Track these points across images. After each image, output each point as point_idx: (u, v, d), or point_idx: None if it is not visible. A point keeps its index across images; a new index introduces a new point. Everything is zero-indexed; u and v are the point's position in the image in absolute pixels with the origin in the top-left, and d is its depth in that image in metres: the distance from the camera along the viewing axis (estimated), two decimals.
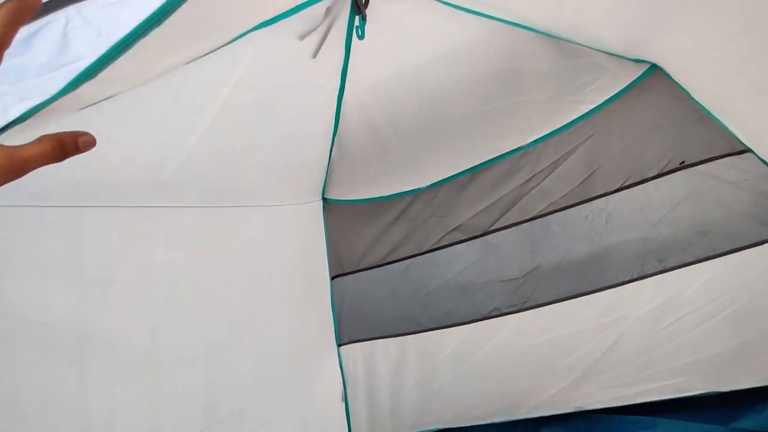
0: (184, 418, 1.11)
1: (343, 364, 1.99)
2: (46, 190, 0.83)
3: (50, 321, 0.84)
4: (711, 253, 1.45)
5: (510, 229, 1.62)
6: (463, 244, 1.70)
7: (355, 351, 1.97)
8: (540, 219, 1.58)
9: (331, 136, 1.61)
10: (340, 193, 1.86)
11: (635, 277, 1.54)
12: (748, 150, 1.35)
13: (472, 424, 1.91)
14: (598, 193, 1.50)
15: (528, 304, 1.67)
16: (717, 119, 1.37)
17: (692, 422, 1.61)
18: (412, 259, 1.77)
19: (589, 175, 1.49)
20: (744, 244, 1.41)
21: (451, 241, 1.71)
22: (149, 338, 1.03)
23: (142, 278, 1.02)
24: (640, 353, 1.60)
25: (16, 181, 0.32)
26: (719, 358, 1.52)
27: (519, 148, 1.57)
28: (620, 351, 1.61)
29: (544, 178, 1.54)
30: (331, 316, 1.94)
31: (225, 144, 1.16)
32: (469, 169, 1.66)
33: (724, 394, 1.56)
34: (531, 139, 1.56)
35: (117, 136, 0.86)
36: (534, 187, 1.55)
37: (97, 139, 0.33)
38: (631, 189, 1.46)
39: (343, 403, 2.02)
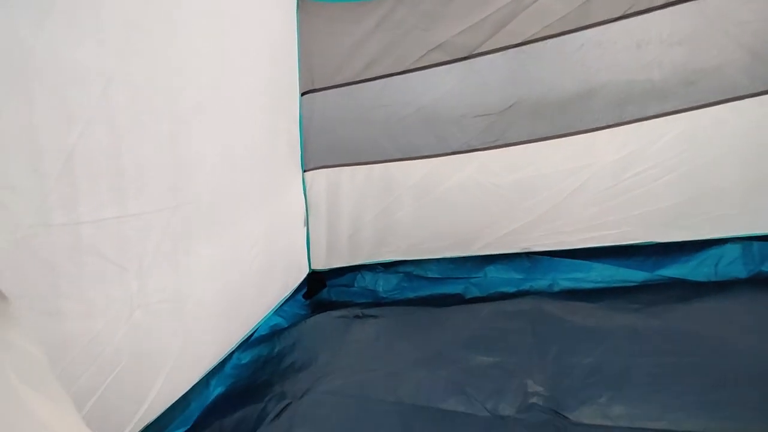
0: (150, 188, 1.14)
1: (307, 190, 2.08)
2: None
3: None
4: (691, 105, 1.50)
5: (496, 54, 1.57)
6: (444, 66, 1.66)
7: (320, 177, 2.03)
8: (530, 45, 1.53)
9: None
10: None
11: (612, 123, 1.59)
12: None
13: (425, 257, 2.13)
14: (598, 20, 1.44)
15: (499, 142, 1.73)
16: None
17: (623, 268, 1.86)
18: (389, 78, 1.73)
19: None
20: (725, 98, 1.47)
21: (431, 62, 1.66)
22: (103, 89, 0.98)
23: (86, 16, 0.92)
24: (596, 203, 1.74)
25: None
26: (665, 211, 1.68)
27: None
28: (579, 198, 1.75)
29: None
30: (299, 137, 1.96)
31: None
32: None
33: (656, 244, 1.79)
34: None
35: None
36: (531, 4, 1.47)
37: None
38: (634, 18, 1.41)
39: (305, 229, 2.18)
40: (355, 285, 2.27)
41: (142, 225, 1.13)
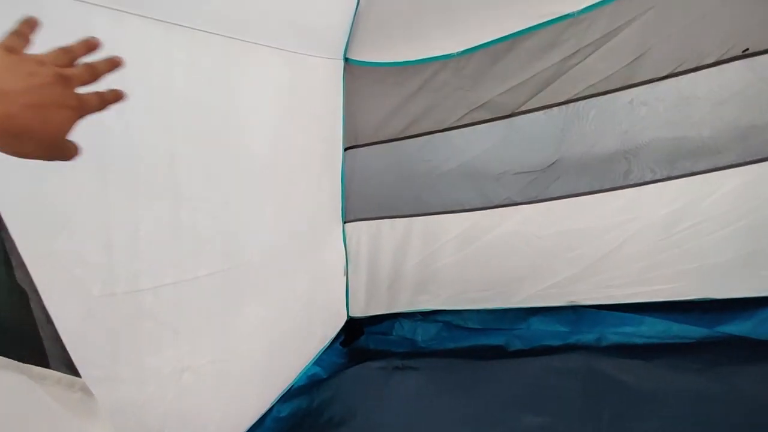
0: (204, 255, 1.19)
1: (347, 241, 2.09)
2: None
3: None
4: (745, 160, 1.44)
5: (539, 113, 1.57)
6: (486, 124, 1.67)
7: (360, 229, 2.05)
8: (574, 103, 1.52)
9: None
10: (364, 53, 1.77)
11: (661, 178, 1.54)
12: None
13: (465, 307, 2.08)
14: (644, 79, 1.43)
15: (541, 197, 1.70)
16: None
17: (676, 323, 1.75)
18: (430, 136, 1.75)
19: (639, 56, 1.40)
20: None
21: (473, 120, 1.67)
22: (168, 166, 1.05)
23: (160, 101, 1.00)
24: (645, 256, 1.66)
25: None
26: (723, 266, 1.58)
27: (568, 15, 1.45)
28: (625, 252, 1.67)
29: (589, 55, 1.44)
30: (340, 190, 1.99)
31: None
32: (509, 35, 1.55)
33: (716, 300, 1.68)
34: (584, 4, 1.43)
35: None
36: (575, 65, 1.47)
37: None
38: (681, 77, 1.38)
39: (345, 278, 2.18)
40: (393, 333, 2.23)
41: (197, 289, 1.16)
